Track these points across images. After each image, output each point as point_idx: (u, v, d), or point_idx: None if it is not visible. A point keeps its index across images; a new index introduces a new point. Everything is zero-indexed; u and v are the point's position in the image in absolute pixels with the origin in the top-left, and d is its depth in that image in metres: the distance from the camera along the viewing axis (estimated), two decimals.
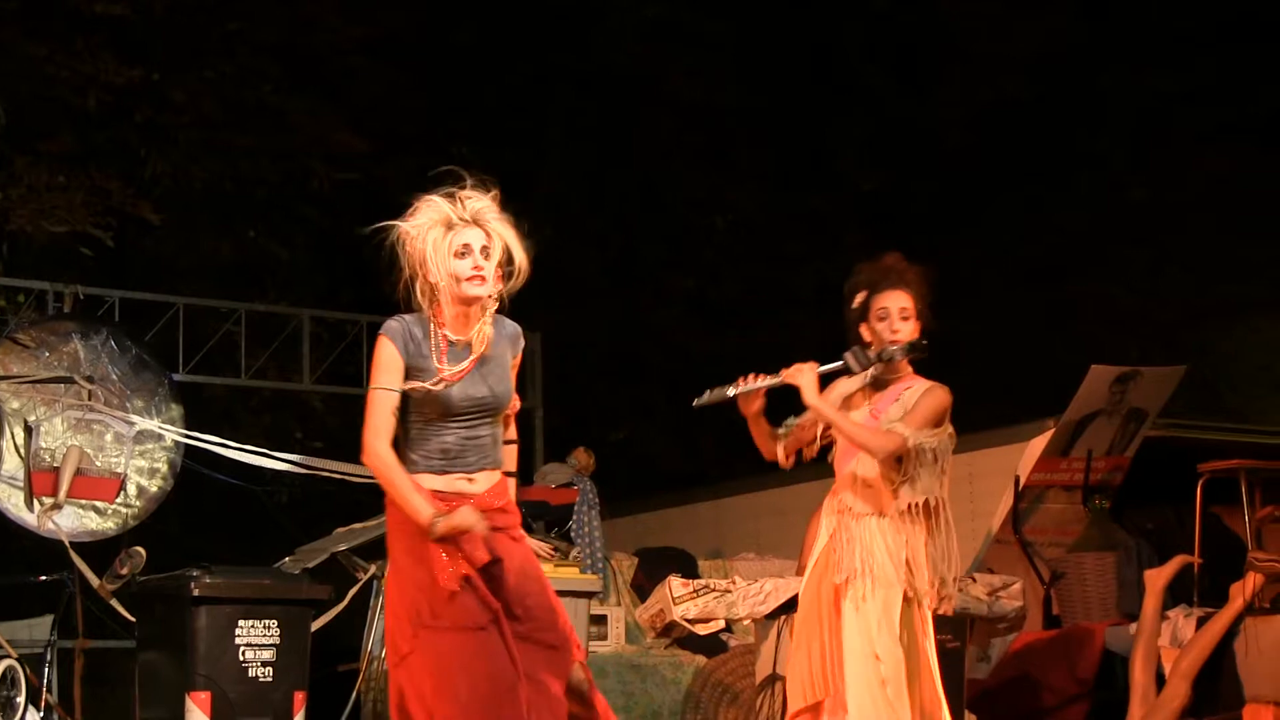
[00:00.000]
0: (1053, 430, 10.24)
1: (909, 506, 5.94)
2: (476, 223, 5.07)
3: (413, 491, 4.91)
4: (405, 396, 5.02)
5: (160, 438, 11.36)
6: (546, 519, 11.12)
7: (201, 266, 15.11)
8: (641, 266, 16.55)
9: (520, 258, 5.12)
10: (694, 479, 14.82)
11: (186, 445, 11.31)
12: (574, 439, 11.84)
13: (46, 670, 9.37)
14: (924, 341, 5.99)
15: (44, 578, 9.84)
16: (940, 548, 5.99)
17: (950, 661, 7.83)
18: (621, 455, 15.18)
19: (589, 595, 8.71)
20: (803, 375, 5.89)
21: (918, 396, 6.02)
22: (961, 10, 15.97)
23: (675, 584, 8.16)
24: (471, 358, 5.06)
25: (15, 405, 10.78)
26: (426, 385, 4.99)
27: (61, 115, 14.24)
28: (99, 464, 10.94)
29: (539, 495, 11.18)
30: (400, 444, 5.08)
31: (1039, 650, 9.32)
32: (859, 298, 6.10)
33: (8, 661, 8.84)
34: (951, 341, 16.55)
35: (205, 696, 7.84)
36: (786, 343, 16.27)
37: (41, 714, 8.96)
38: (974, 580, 8.13)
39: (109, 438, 11.09)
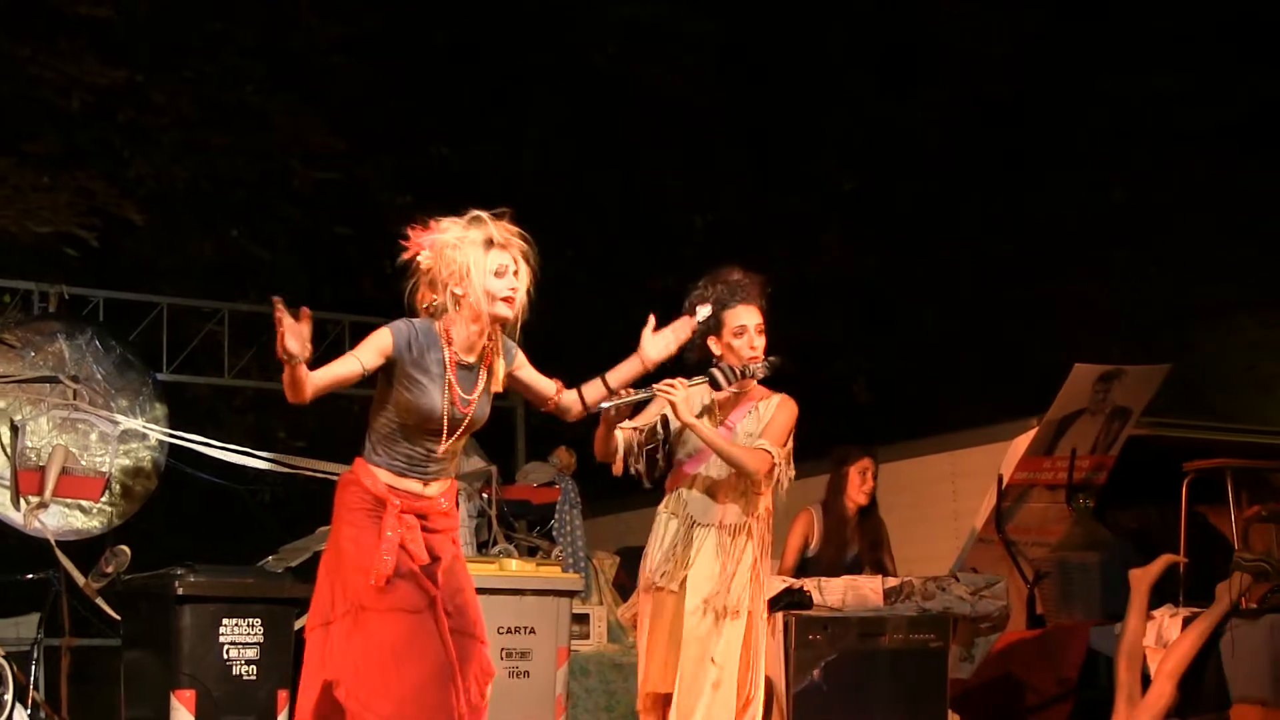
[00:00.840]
0: (1036, 429, 10.26)
1: (750, 518, 6.15)
2: (509, 247, 5.20)
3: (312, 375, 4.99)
4: (387, 396, 5.13)
5: (144, 437, 11.37)
6: (528, 518, 11.16)
7: (184, 266, 15.10)
8: (620, 266, 16.55)
9: (529, 295, 5.22)
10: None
11: (170, 444, 11.32)
12: (555, 438, 11.84)
13: (33, 668, 9.37)
14: (779, 360, 6.21)
15: (30, 576, 9.84)
16: (763, 559, 6.21)
17: (933, 661, 7.88)
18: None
19: (571, 594, 8.72)
20: (676, 393, 5.97)
21: (772, 410, 6.25)
22: (942, 10, 16.00)
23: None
24: (481, 388, 5.19)
25: (1, 405, 10.79)
26: (461, 410, 5.12)
27: (45, 116, 14.22)
28: (84, 463, 10.95)
29: (521, 494, 11.21)
30: (367, 434, 5.22)
31: (1023, 650, 9.35)
32: (703, 311, 6.18)
33: None
34: (933, 341, 16.62)
35: (190, 695, 7.85)
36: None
37: (29, 712, 8.96)
38: (957, 580, 8.16)
39: (94, 437, 11.10)
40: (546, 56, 16.61)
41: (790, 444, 6.25)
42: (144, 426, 11.30)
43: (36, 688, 9.32)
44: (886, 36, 16.56)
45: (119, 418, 11.16)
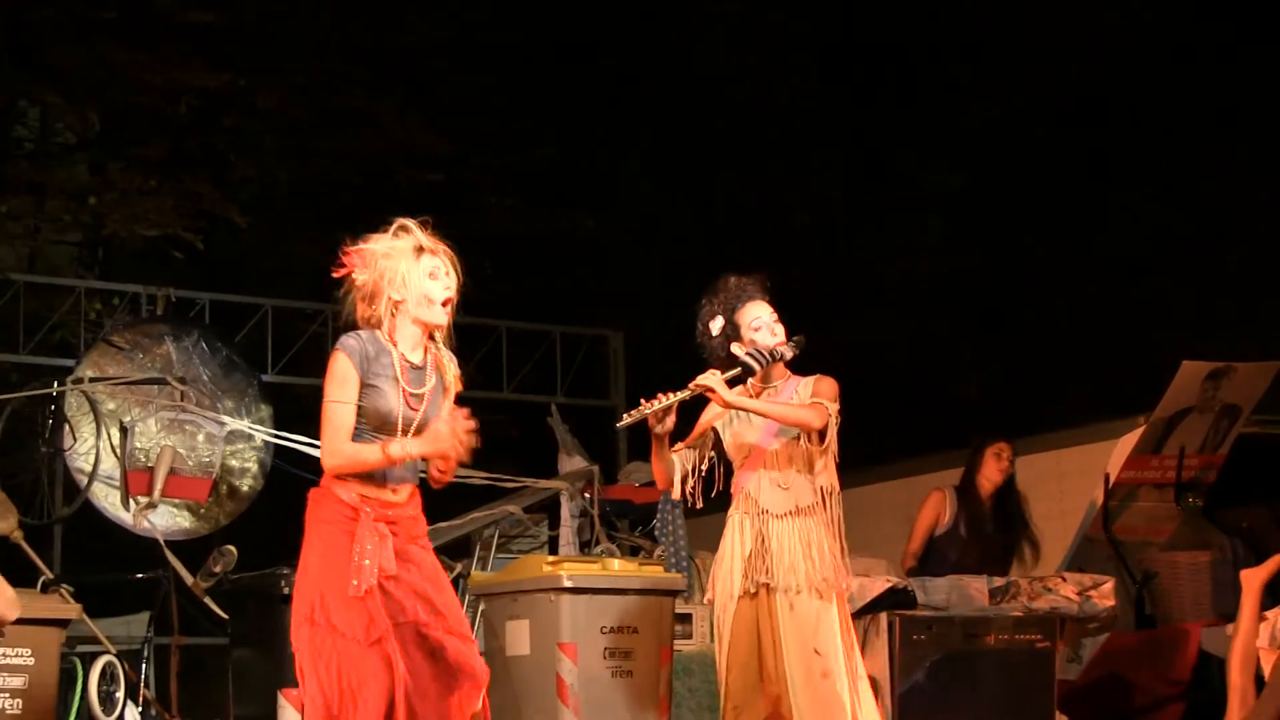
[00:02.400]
0: (1143, 428, 10.15)
1: (819, 498, 6.20)
2: (438, 252, 5.36)
3: (371, 450, 5.18)
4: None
5: (250, 438, 11.47)
6: (631, 517, 11.15)
7: (288, 269, 15.23)
8: (723, 265, 16.49)
9: (455, 299, 5.37)
10: None
11: (275, 445, 11.41)
12: (682, 428, 11.84)
13: (144, 666, 9.48)
14: (803, 339, 6.24)
15: (140, 576, 9.96)
16: (839, 540, 6.24)
17: (1040, 662, 7.81)
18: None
19: (674, 594, 8.69)
20: (712, 379, 6.06)
21: (811, 386, 6.28)
22: (1050, 4, 15.87)
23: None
24: (431, 385, 5.33)
25: (111, 406, 10.92)
26: (412, 408, 5.25)
27: (153, 122, 14.40)
28: (191, 464, 11.07)
29: (623, 494, 11.20)
30: None
31: (1131, 651, 9.24)
32: (716, 325, 6.32)
33: (107, 657, 8.95)
34: (1040, 339, 16.45)
35: (297, 693, 7.89)
36: (869, 340, 16.28)
37: (140, 709, 9.06)
38: (1064, 579, 8.08)
39: (201, 438, 11.21)
40: (650, 58, 16.63)
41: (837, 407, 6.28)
42: (250, 427, 11.40)
43: (147, 685, 9.43)
44: (993, 32, 16.44)
45: (225, 419, 11.27)
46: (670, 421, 6.09)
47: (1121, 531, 10.18)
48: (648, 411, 5.91)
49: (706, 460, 6.41)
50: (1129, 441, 10.27)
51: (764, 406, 6.19)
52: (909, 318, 16.41)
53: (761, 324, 6.28)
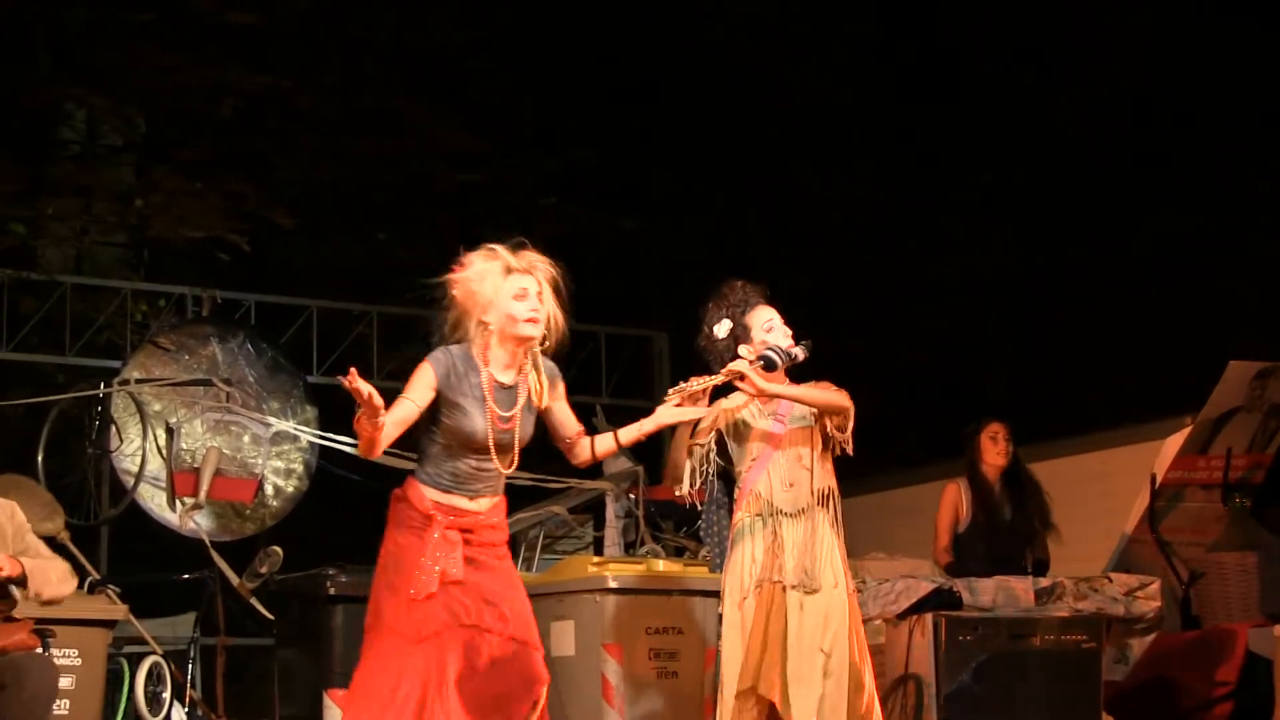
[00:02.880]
0: (1190, 428, 10.10)
1: (822, 497, 6.29)
2: (530, 271, 5.47)
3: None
4: (433, 419, 5.39)
5: (296, 439, 11.51)
6: (675, 518, 11.14)
7: (333, 269, 15.28)
8: (758, 266, 16.47)
9: (560, 317, 5.52)
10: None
11: (321, 446, 11.44)
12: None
13: (190, 666, 9.51)
14: (812, 342, 6.31)
15: (186, 576, 10.01)
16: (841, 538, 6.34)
17: (1086, 663, 7.79)
18: None
19: (718, 594, 8.69)
20: (743, 364, 6.13)
21: (812, 385, 6.36)
22: (1081, 3, 15.81)
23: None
24: (520, 405, 5.47)
25: (157, 407, 10.97)
26: (499, 428, 5.39)
27: (196, 123, 14.46)
28: (237, 465, 11.10)
29: (667, 494, 11.16)
30: (420, 453, 5.51)
31: (1178, 652, 9.19)
32: (722, 329, 6.40)
33: (153, 658, 9.00)
34: (1084, 338, 16.35)
35: (342, 694, 7.91)
36: (907, 340, 16.23)
37: (186, 709, 9.11)
38: (1110, 580, 8.06)
39: (247, 439, 11.25)
40: (688, 57, 16.62)
41: None
42: (295, 428, 11.44)
43: (193, 686, 9.47)
44: (1024, 30, 16.39)
45: (271, 420, 11.31)
46: (703, 405, 6.10)
47: (1168, 532, 10.14)
48: (687, 391, 5.93)
49: (710, 462, 6.45)
50: (1175, 442, 10.23)
51: (797, 391, 6.29)
52: (947, 317, 16.36)
53: (774, 325, 6.38)
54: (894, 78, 16.67)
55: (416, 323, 13.06)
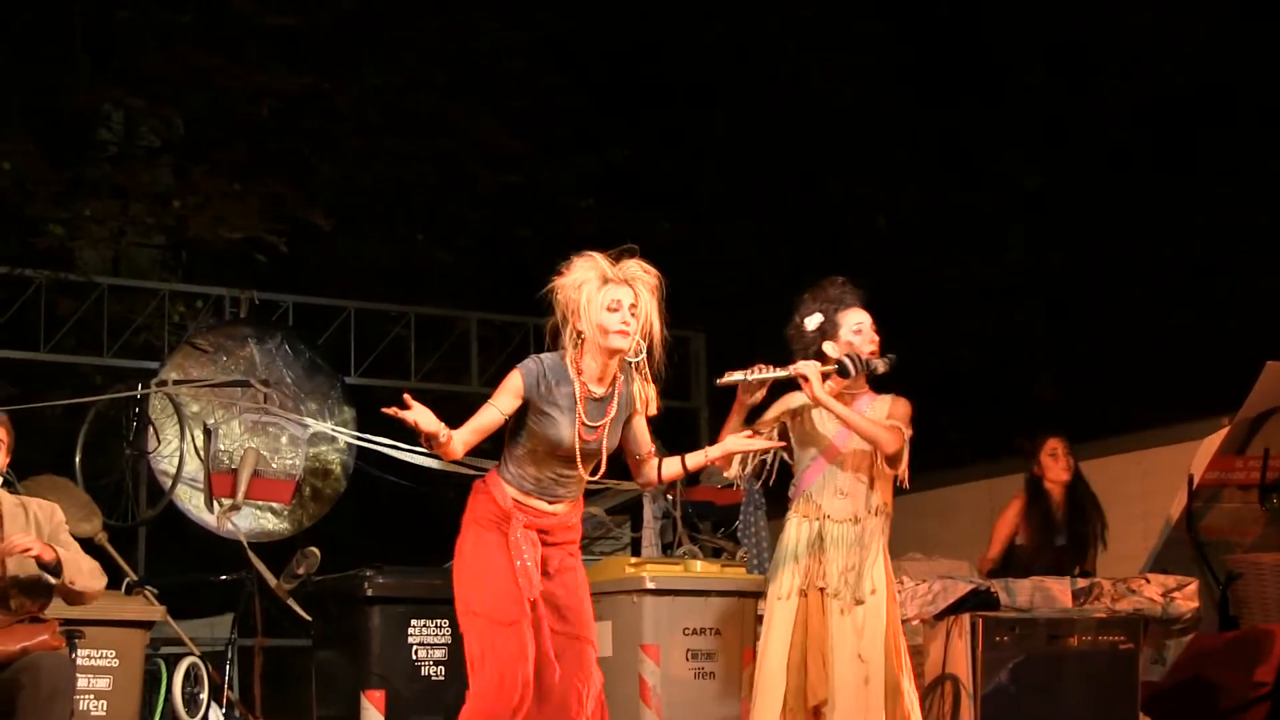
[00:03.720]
0: (1227, 428, 10.05)
1: (874, 510, 6.30)
2: (628, 283, 5.47)
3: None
4: (520, 423, 5.45)
5: (333, 440, 11.53)
6: (713, 519, 11.14)
7: (370, 270, 15.31)
8: (802, 267, 16.48)
9: (658, 330, 5.52)
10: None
11: (358, 447, 11.46)
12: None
13: (228, 667, 9.55)
14: (895, 358, 6.27)
15: (224, 577, 10.04)
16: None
17: (1124, 663, 7.76)
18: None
19: (756, 595, 8.69)
20: (810, 368, 6.12)
21: (888, 407, 6.35)
22: (1124, 5, 15.75)
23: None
24: (609, 417, 5.50)
25: (195, 409, 11.00)
26: (585, 439, 5.43)
27: (235, 125, 14.51)
28: (275, 466, 11.12)
29: (705, 495, 11.20)
30: (503, 450, 5.56)
31: (1216, 652, 9.14)
32: (815, 320, 6.36)
33: (191, 659, 9.03)
34: (1121, 339, 16.28)
35: (380, 695, 7.95)
36: (949, 341, 16.20)
37: (223, 710, 9.13)
38: (1147, 581, 8.03)
39: (284, 440, 11.27)
40: (727, 59, 16.61)
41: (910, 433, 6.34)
42: (333, 429, 11.46)
43: (231, 687, 9.50)
44: (1067, 32, 16.34)
45: (309, 421, 11.33)
46: (760, 395, 6.11)
47: (1206, 533, 10.08)
48: (752, 378, 5.95)
49: (771, 456, 6.45)
50: (1213, 442, 10.18)
51: (849, 414, 6.25)
52: (988, 319, 16.33)
53: (863, 329, 6.33)
54: (937, 79, 16.65)
55: (453, 324, 13.09)
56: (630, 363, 5.52)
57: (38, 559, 6.12)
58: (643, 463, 5.72)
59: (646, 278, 5.51)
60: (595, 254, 5.50)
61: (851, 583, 6.19)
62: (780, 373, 6.04)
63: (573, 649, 5.48)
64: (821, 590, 6.22)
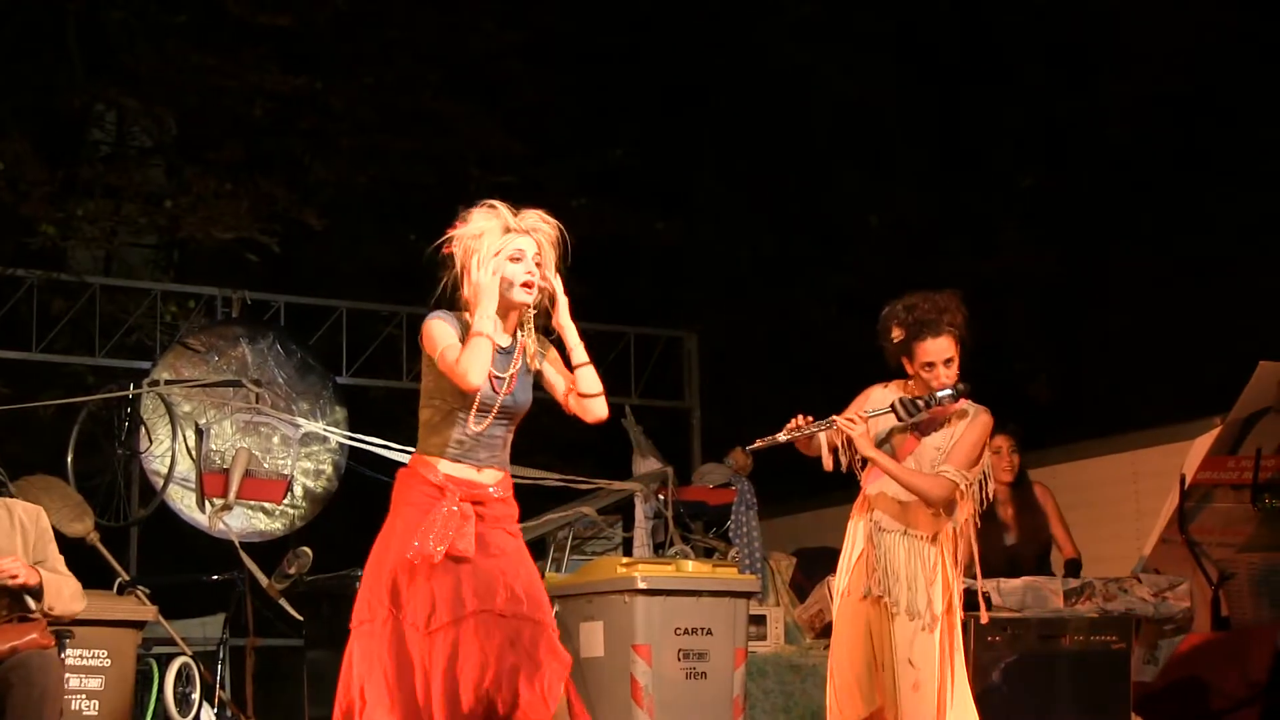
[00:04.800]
0: (1219, 429, 10.06)
1: (939, 528, 6.15)
2: (530, 233, 5.29)
3: (475, 341, 5.11)
4: (431, 386, 5.25)
5: (325, 440, 11.52)
6: (705, 519, 11.16)
7: (363, 271, 15.30)
8: (797, 266, 16.51)
9: (555, 281, 5.30)
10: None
11: (350, 447, 11.46)
12: (731, 439, 11.83)
13: (219, 667, 9.54)
14: (964, 386, 6.09)
15: (216, 577, 10.04)
16: (962, 564, 6.22)
17: (1116, 663, 7.77)
18: (779, 455, 15.13)
19: (748, 595, 8.70)
20: (855, 427, 6.04)
21: (964, 427, 6.20)
22: (1122, 3, 15.76)
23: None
24: (516, 367, 5.28)
25: (187, 408, 10.99)
26: (495, 390, 5.19)
27: (229, 125, 14.50)
28: (267, 466, 11.12)
29: (697, 495, 11.21)
30: (419, 431, 5.33)
31: (1208, 652, 9.16)
32: (898, 333, 6.21)
33: (183, 659, 9.02)
34: (1114, 340, 16.28)
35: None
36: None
37: (215, 710, 9.13)
38: (1139, 581, 8.04)
39: (276, 440, 11.27)
40: (723, 58, 16.61)
41: (983, 460, 6.20)
42: (325, 429, 11.45)
43: (223, 687, 9.49)
44: (1065, 31, 16.35)
45: (300, 421, 11.32)
46: (814, 444, 6.11)
47: (1198, 533, 10.09)
48: (784, 439, 5.92)
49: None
50: (1205, 442, 10.19)
51: (889, 465, 6.12)
52: (982, 318, 16.30)
53: (934, 366, 6.14)
54: (932, 78, 16.66)
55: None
56: (530, 313, 5.30)
57: (22, 585, 6.11)
58: (571, 395, 5.41)
59: (547, 228, 5.32)
60: (496, 203, 5.33)
61: (901, 594, 6.09)
62: (822, 427, 6.01)
63: (532, 633, 5.17)
64: (874, 599, 6.14)
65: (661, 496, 10.82)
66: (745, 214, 16.86)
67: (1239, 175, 15.42)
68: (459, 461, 5.25)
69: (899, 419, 6.13)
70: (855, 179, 16.71)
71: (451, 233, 5.33)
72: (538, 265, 5.27)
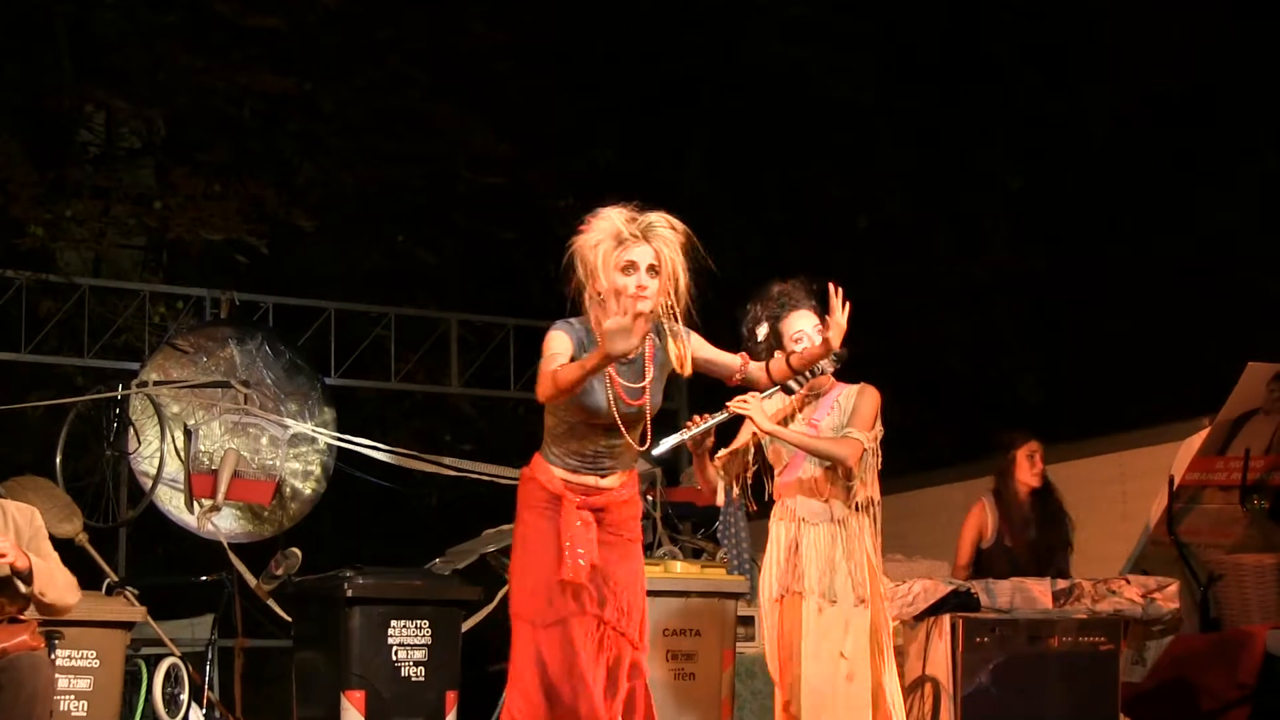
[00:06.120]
0: (1208, 429, 10.07)
1: (856, 507, 6.26)
2: (646, 239, 5.13)
3: (580, 364, 4.96)
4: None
5: (314, 441, 11.52)
6: (693, 520, 11.13)
7: (352, 271, 15.29)
8: (784, 267, 16.47)
9: (684, 280, 5.19)
10: None
11: (339, 448, 11.45)
12: (720, 439, 11.82)
13: (208, 668, 9.54)
14: (843, 350, 5.96)
15: (204, 578, 10.03)
16: (878, 548, 6.33)
17: (1104, 664, 7.77)
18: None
19: (736, 596, 8.70)
20: (750, 406, 6.03)
21: (854, 400, 6.31)
22: (1110, 6, 15.78)
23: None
24: (650, 378, 5.20)
25: (175, 409, 10.99)
26: (627, 401, 5.14)
27: (218, 126, 14.49)
28: (255, 467, 11.11)
29: (685, 496, 11.20)
30: (545, 432, 5.28)
31: (1197, 653, 9.17)
32: (761, 331, 6.27)
33: (171, 659, 9.02)
34: (1103, 340, 16.32)
35: (360, 695, 7.93)
36: (932, 342, 16.21)
37: (204, 711, 9.12)
38: (1128, 582, 8.03)
39: (265, 441, 11.26)
40: (711, 59, 16.61)
41: (878, 428, 6.32)
42: (313, 430, 11.44)
43: (211, 688, 9.49)
44: (1052, 32, 16.37)
45: (289, 422, 11.31)
46: (709, 442, 6.10)
47: (1186, 534, 10.11)
48: (684, 437, 5.89)
49: (750, 469, 6.48)
50: (1194, 443, 10.20)
51: (798, 439, 6.22)
52: (970, 319, 16.34)
53: (803, 336, 6.21)
54: (922, 80, 16.66)
55: (434, 324, 13.09)
56: (661, 324, 5.19)
57: (11, 565, 6.09)
58: (746, 372, 5.45)
59: (668, 233, 5.17)
60: (614, 210, 5.17)
61: (828, 583, 6.17)
62: (719, 418, 5.98)
63: (616, 645, 5.19)
64: (798, 594, 6.21)
65: (650, 497, 10.80)
66: (733, 215, 16.86)
67: (1227, 176, 15.46)
68: (579, 472, 5.23)
69: (788, 392, 6.11)
70: (843, 180, 16.71)
71: (573, 242, 5.21)
72: (653, 274, 5.12)
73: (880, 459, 6.35)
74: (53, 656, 6.54)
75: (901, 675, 7.50)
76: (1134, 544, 10.34)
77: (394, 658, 8.09)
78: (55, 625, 6.61)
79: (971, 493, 8.65)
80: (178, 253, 15.18)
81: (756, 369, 5.53)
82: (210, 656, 9.64)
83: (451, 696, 8.20)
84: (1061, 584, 7.79)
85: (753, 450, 6.42)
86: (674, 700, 8.11)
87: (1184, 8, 15.27)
